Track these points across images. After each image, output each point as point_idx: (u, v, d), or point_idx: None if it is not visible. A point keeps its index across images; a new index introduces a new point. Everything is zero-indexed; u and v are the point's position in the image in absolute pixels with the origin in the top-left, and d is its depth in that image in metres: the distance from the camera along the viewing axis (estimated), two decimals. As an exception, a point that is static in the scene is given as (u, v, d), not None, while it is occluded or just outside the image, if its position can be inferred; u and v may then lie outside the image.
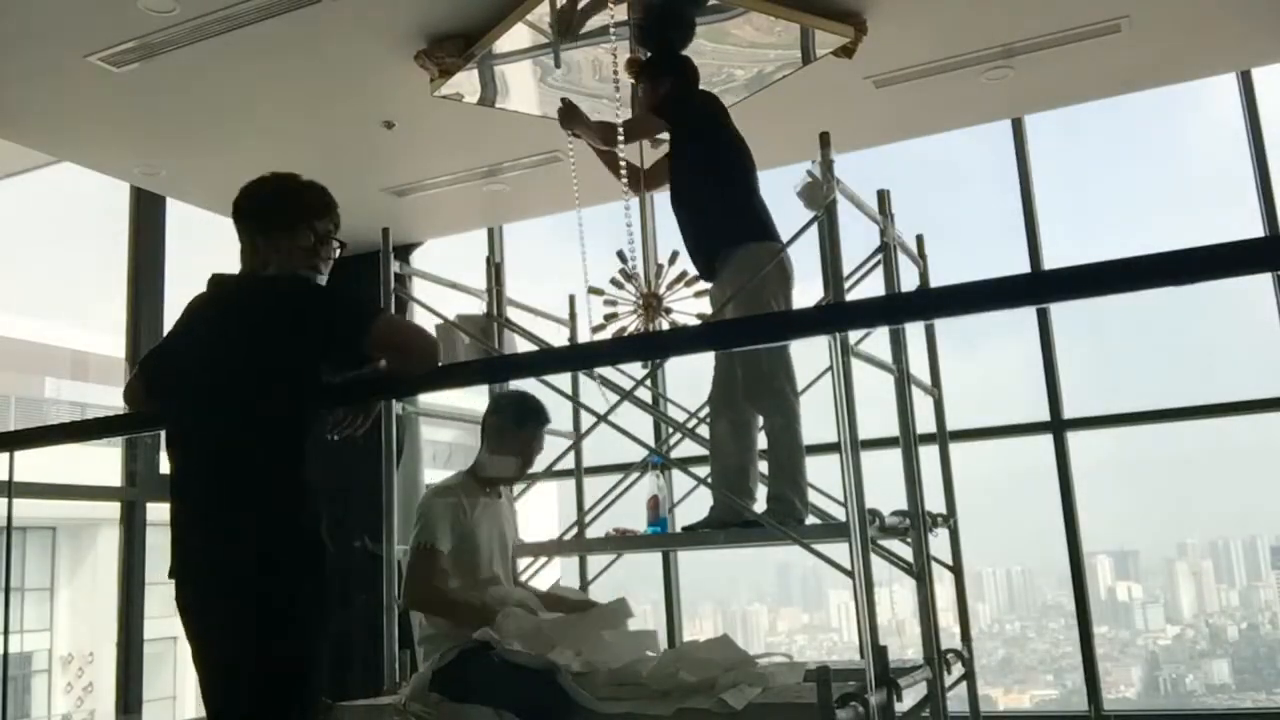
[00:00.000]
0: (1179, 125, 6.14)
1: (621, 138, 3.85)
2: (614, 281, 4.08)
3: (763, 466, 3.75)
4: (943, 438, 4.41)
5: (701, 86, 3.96)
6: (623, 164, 4.00)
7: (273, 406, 2.20)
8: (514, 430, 3.46)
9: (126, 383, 2.57)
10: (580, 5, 3.84)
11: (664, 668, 3.09)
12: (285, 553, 2.16)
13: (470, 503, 3.32)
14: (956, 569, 4.29)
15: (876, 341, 3.59)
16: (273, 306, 2.26)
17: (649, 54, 4.05)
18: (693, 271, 4.06)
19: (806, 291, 3.65)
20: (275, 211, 2.43)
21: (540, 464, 4.17)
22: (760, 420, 3.70)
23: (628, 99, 4.08)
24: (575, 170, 4.08)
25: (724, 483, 3.61)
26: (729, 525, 3.55)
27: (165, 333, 2.60)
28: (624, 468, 4.48)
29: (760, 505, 3.59)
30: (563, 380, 4.39)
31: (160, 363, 2.47)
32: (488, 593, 3.37)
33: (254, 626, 2.12)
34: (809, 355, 3.67)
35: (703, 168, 3.74)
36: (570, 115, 3.93)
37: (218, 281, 2.45)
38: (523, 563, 4.12)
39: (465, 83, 4.26)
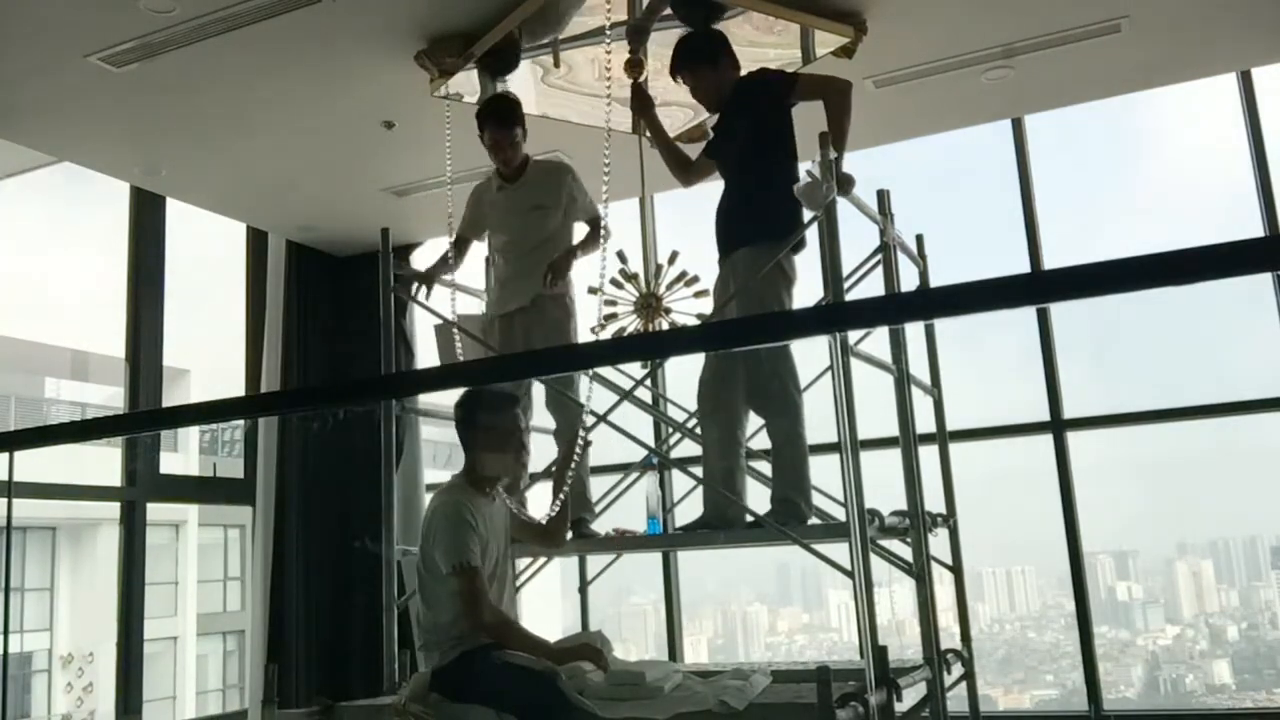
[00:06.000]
0: (1179, 125, 6.14)
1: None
2: (614, 282, 4.09)
3: (765, 468, 3.75)
4: (943, 438, 4.41)
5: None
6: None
7: None
8: (490, 424, 3.43)
9: None
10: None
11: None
12: None
13: (476, 509, 3.31)
14: (956, 569, 4.29)
15: (876, 341, 3.59)
16: None
17: (691, 36, 3.93)
18: (693, 271, 4.06)
19: (806, 291, 3.65)
20: None
21: (540, 464, 4.17)
22: (748, 422, 3.70)
23: (625, 98, 4.07)
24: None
25: (713, 485, 3.61)
26: (714, 528, 3.55)
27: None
28: (624, 468, 4.49)
29: (753, 506, 3.59)
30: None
31: None
32: (497, 600, 3.35)
33: None
34: (809, 355, 3.67)
35: (770, 151, 3.66)
36: (644, 104, 3.96)
37: None
38: (522, 562, 4.12)
39: (465, 83, 4.26)
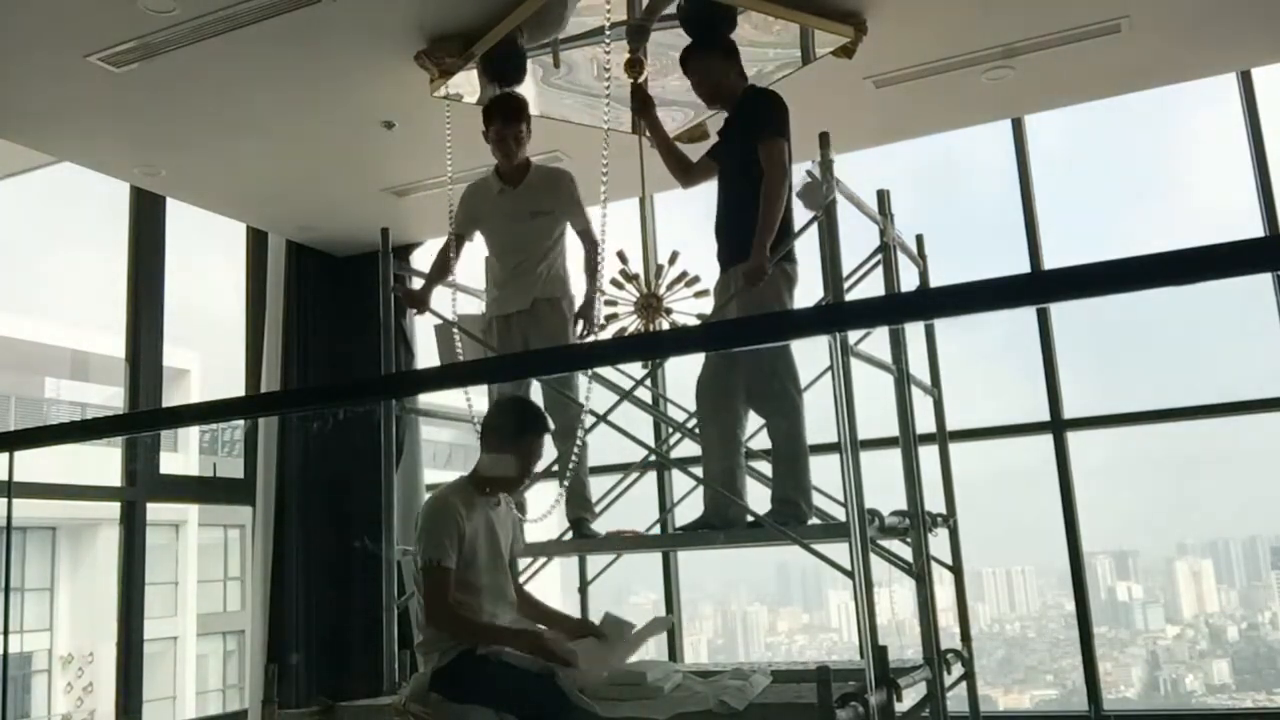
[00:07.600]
0: (1179, 125, 6.14)
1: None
2: (614, 282, 4.09)
3: (765, 468, 3.75)
4: (943, 438, 4.41)
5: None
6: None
7: None
8: (512, 438, 3.44)
9: None
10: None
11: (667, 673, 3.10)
12: None
13: (468, 510, 3.30)
14: (956, 569, 4.29)
15: (876, 341, 3.59)
16: None
17: (705, 34, 3.91)
18: (693, 271, 4.06)
19: (807, 291, 3.65)
20: None
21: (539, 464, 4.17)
22: (748, 422, 3.69)
23: (625, 98, 4.08)
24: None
25: (713, 485, 3.61)
26: (715, 527, 3.55)
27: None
28: (624, 468, 4.49)
29: (753, 506, 3.59)
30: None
31: None
32: (485, 604, 3.35)
33: None
34: (809, 355, 3.68)
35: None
36: (644, 104, 3.98)
37: None
38: (522, 562, 4.12)
39: (465, 83, 4.26)
